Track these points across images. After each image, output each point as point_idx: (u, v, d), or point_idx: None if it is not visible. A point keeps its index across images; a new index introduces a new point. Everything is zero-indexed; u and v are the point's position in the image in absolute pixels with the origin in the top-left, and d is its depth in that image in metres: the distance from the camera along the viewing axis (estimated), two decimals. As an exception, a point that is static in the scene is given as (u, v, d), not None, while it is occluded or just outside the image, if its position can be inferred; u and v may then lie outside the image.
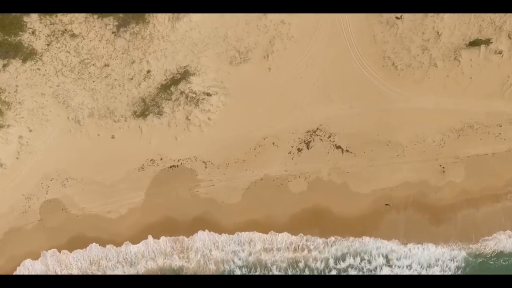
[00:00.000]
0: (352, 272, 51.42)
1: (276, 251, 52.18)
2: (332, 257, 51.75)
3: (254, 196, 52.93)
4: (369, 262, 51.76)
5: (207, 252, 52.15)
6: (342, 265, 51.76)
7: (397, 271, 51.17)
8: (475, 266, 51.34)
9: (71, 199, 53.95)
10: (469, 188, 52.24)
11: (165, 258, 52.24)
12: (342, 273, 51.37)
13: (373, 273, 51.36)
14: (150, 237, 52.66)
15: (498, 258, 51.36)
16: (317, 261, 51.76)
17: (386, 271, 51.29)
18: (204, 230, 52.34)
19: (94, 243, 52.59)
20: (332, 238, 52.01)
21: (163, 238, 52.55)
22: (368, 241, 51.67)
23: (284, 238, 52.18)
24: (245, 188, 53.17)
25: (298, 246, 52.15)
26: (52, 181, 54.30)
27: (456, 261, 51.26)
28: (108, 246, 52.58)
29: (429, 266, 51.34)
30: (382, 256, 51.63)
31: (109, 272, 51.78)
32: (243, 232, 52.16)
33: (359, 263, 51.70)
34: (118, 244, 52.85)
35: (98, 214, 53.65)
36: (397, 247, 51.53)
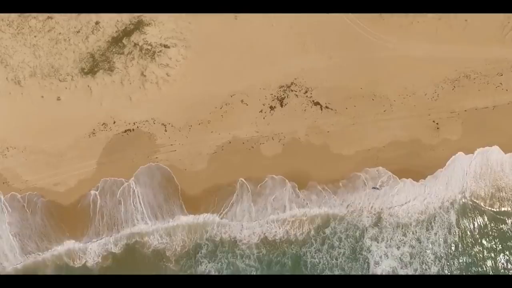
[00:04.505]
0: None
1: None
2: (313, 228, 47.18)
3: (221, 162, 47.51)
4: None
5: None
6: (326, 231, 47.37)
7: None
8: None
9: (13, 171, 48.18)
10: (467, 146, 47.10)
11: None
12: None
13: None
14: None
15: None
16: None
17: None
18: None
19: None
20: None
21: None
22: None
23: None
24: (211, 152, 47.61)
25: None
26: (-9, 152, 48.55)
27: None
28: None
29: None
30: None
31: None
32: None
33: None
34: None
35: (44, 188, 47.90)
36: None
